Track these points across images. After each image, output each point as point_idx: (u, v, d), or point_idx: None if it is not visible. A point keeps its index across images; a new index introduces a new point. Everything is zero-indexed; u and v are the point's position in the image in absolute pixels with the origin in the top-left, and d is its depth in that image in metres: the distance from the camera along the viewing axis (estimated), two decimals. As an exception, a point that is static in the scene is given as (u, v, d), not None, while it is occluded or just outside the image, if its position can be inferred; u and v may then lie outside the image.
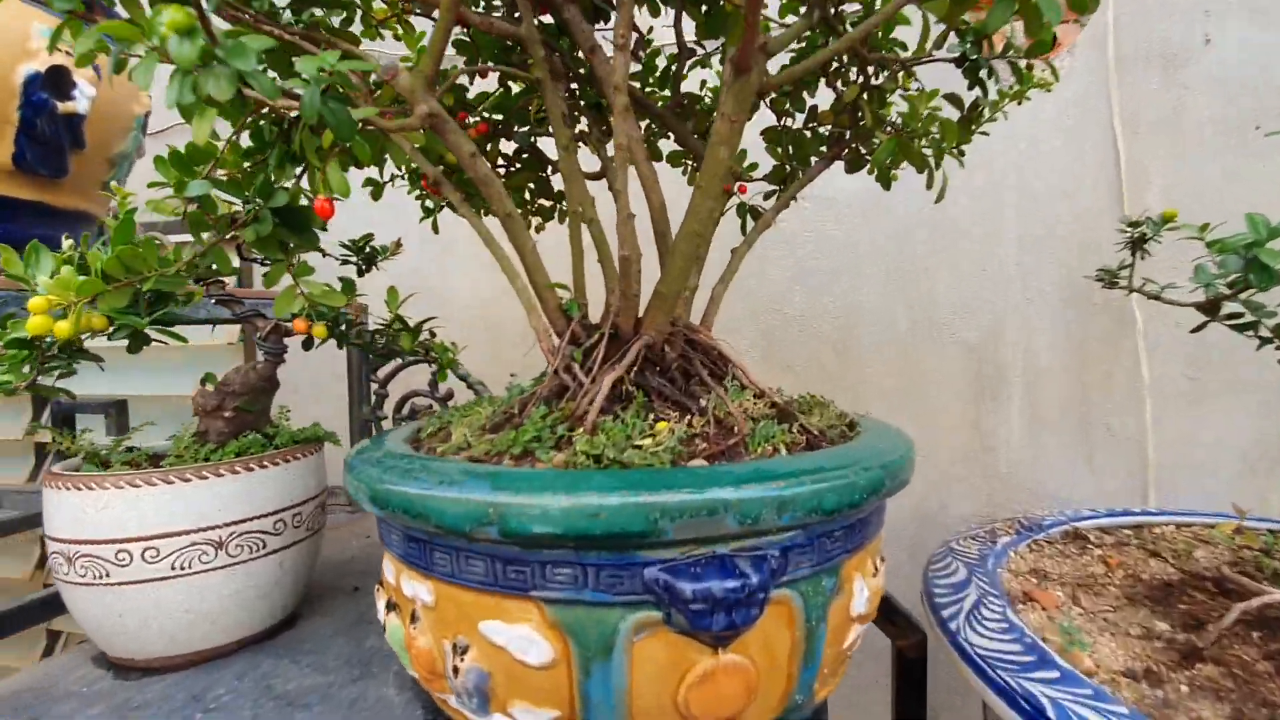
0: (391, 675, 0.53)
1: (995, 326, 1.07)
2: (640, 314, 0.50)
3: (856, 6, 0.51)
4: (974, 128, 0.62)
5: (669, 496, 0.33)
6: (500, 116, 0.60)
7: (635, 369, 0.48)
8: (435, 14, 0.44)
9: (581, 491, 0.33)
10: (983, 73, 0.57)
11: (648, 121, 0.64)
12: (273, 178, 0.42)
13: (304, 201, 0.45)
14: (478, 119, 0.57)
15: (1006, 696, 0.44)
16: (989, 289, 1.07)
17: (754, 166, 0.67)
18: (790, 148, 0.66)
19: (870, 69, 0.56)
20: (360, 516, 1.00)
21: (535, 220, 0.68)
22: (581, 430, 0.41)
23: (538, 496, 0.33)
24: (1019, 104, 0.64)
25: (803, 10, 0.49)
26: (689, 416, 0.46)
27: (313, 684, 0.53)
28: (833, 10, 0.47)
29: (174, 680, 0.53)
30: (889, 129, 0.60)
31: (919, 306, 1.09)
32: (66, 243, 0.52)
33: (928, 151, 0.61)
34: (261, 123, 0.42)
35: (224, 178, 0.44)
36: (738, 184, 0.64)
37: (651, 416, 0.44)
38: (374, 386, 1.00)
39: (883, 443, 0.44)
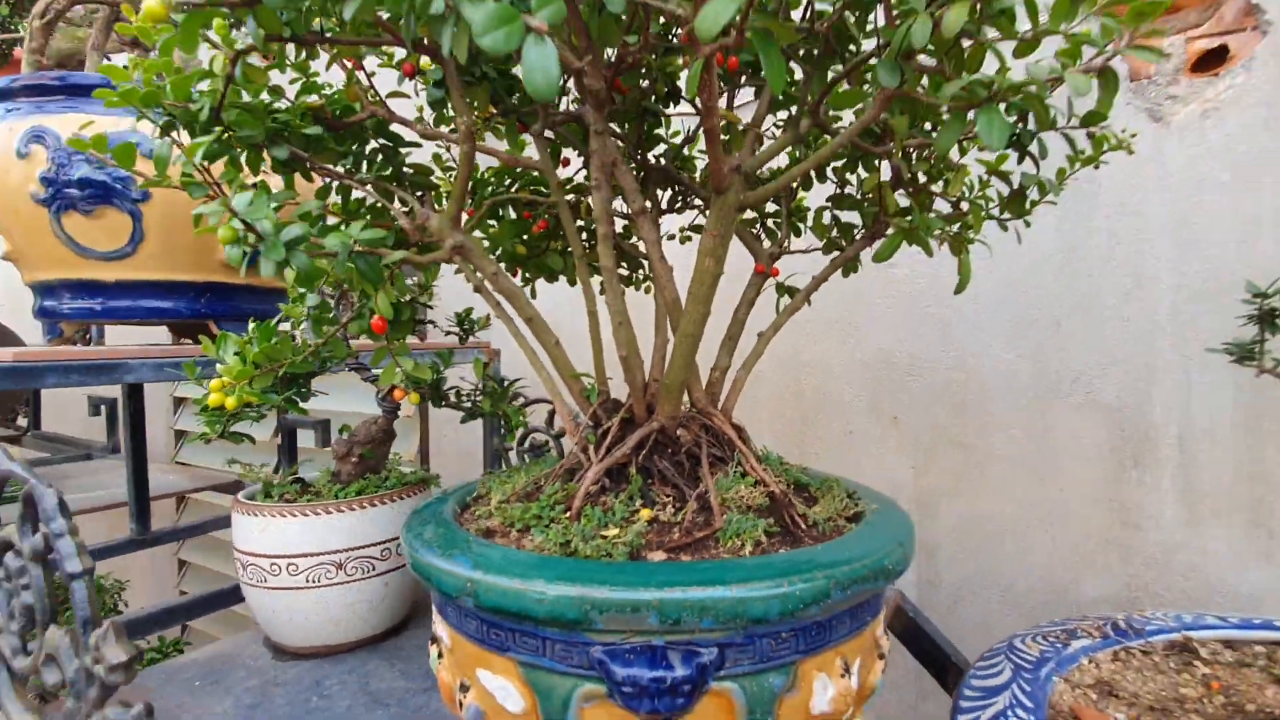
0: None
1: (1143, 386, 0.94)
2: (653, 400, 0.55)
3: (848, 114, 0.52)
4: (1030, 201, 0.58)
5: (597, 592, 0.38)
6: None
7: (645, 451, 0.54)
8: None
9: (532, 579, 0.40)
10: (1033, 147, 0.54)
11: (671, 190, 0.68)
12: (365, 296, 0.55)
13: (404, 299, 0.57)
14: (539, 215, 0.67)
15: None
16: (1131, 342, 0.94)
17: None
18: (836, 225, 0.67)
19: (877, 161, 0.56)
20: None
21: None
22: (568, 515, 0.48)
23: (500, 579, 0.41)
24: (1096, 168, 0.59)
25: (786, 125, 0.51)
26: (685, 501, 0.50)
27: (396, 688, 0.65)
28: (819, 116, 0.49)
29: (305, 668, 0.69)
30: (933, 210, 0.59)
31: (1046, 359, 0.99)
32: (250, 326, 0.70)
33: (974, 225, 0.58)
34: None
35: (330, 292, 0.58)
36: (771, 265, 0.66)
37: (639, 502, 0.49)
38: (501, 424, 1.15)
39: (868, 547, 0.45)
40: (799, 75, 0.50)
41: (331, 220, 0.51)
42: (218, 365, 0.62)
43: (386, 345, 0.62)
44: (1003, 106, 0.38)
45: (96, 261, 0.78)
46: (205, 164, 0.46)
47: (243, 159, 0.48)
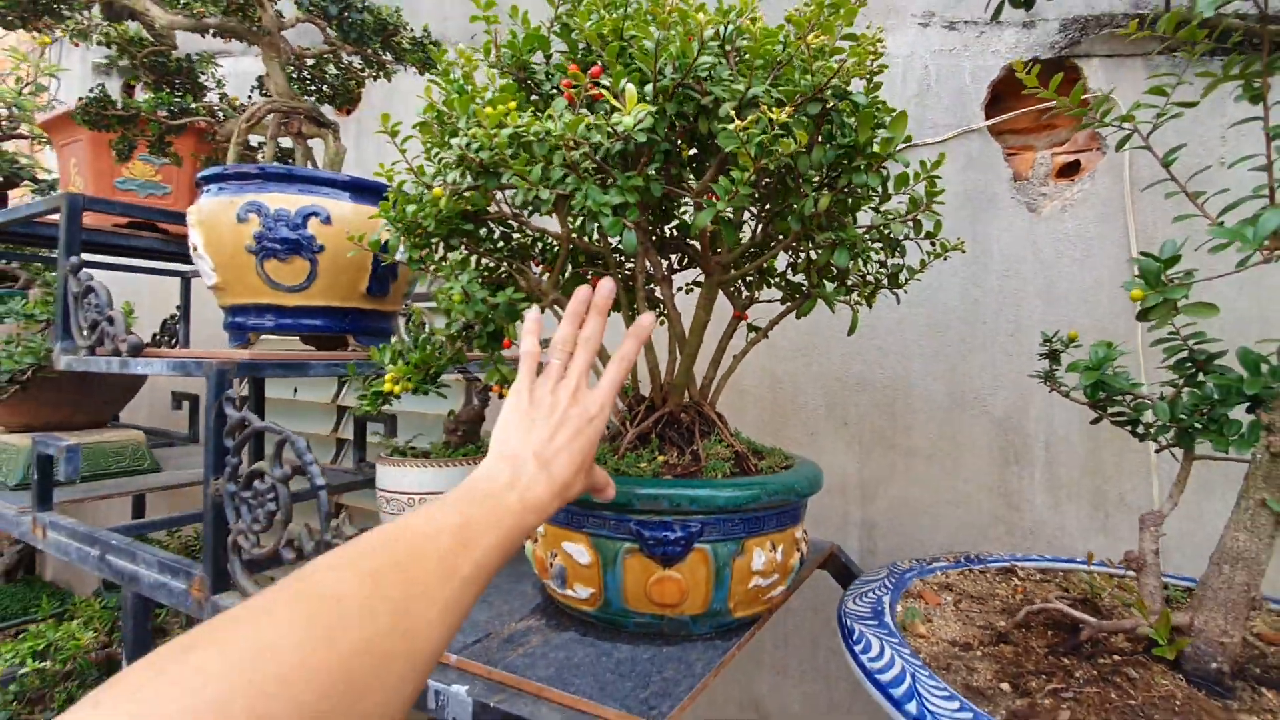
0: (529, 582, 0.98)
1: (1021, 403, 1.28)
2: (666, 395, 0.90)
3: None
4: (903, 279, 0.93)
5: (637, 489, 0.73)
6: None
7: (660, 425, 0.88)
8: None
9: (601, 483, 0.74)
10: (900, 244, 0.89)
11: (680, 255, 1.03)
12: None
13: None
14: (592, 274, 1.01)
15: (841, 625, 0.76)
16: (1013, 371, 1.29)
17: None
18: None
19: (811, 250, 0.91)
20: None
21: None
22: (616, 457, 0.82)
23: (583, 483, 0.75)
24: (945, 259, 0.94)
25: (753, 225, 0.86)
26: (681, 455, 0.85)
27: (493, 584, 0.99)
28: (768, 229, 0.84)
29: (426, 570, 1.03)
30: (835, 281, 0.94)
31: (955, 381, 1.34)
32: (393, 339, 1.05)
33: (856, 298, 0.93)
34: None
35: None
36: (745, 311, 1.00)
37: (657, 453, 0.84)
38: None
39: (782, 479, 0.80)
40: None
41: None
42: (387, 366, 0.97)
43: (489, 355, 0.96)
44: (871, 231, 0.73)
45: (283, 292, 1.13)
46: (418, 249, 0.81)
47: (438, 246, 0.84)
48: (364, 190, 1.19)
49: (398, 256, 0.83)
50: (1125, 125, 0.73)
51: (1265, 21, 0.52)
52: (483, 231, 0.89)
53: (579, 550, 0.78)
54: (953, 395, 1.34)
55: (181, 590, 1.01)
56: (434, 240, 0.84)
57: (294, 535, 0.89)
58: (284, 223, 1.11)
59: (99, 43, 1.26)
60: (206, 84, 1.50)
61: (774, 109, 0.55)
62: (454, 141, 0.67)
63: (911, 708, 0.59)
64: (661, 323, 1.05)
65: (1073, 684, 0.64)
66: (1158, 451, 0.80)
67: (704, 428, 0.90)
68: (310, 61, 1.34)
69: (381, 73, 1.37)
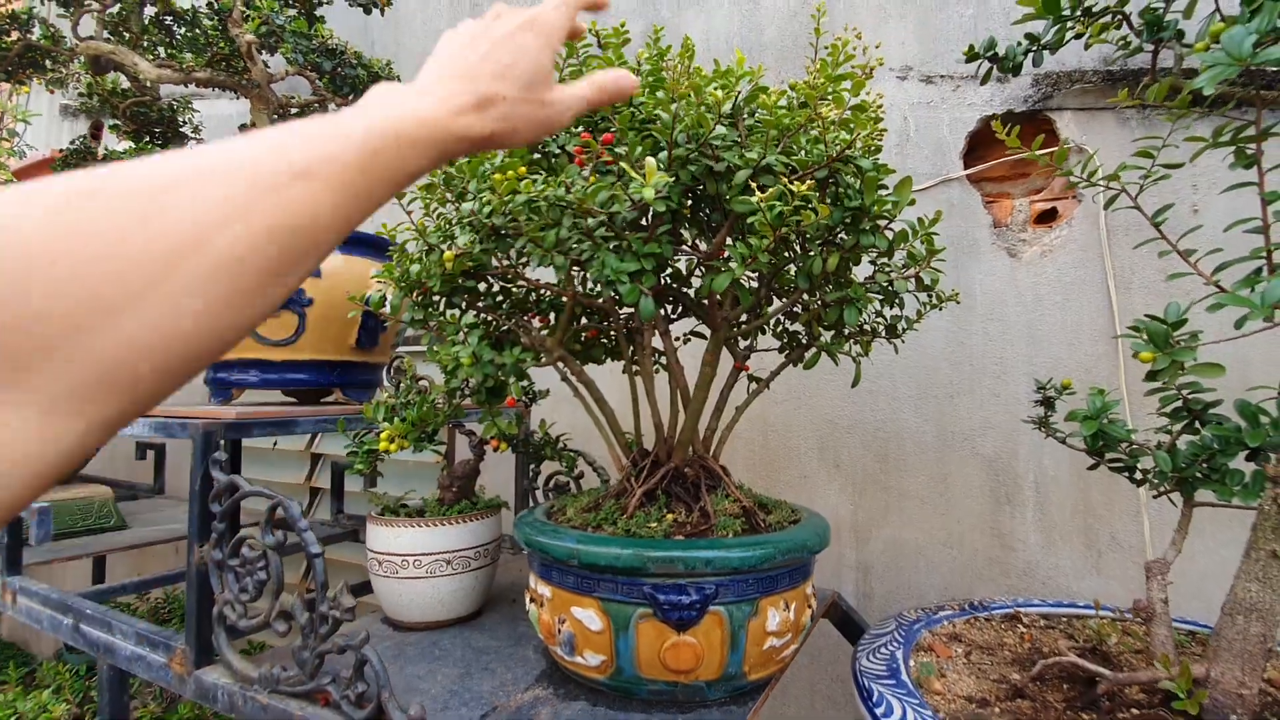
0: (531, 646, 0.95)
1: (1010, 444, 1.30)
2: (672, 449, 0.89)
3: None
4: (903, 328, 0.94)
5: (650, 552, 0.71)
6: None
7: (667, 481, 0.87)
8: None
9: (613, 547, 0.73)
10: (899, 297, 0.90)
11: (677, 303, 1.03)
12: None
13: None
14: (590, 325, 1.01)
15: (857, 685, 0.75)
16: (1001, 412, 1.31)
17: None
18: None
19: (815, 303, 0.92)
20: (515, 557, 1.46)
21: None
22: (624, 517, 0.81)
23: (594, 547, 0.73)
24: (940, 309, 0.96)
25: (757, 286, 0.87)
26: (690, 511, 0.84)
27: (491, 645, 0.95)
28: (772, 286, 0.85)
29: (420, 636, 0.99)
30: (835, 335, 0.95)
31: (944, 423, 1.36)
32: (382, 393, 1.03)
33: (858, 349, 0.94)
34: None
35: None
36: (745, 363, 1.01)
37: (665, 510, 0.82)
38: (531, 467, 1.47)
39: (794, 535, 0.79)
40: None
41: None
42: (382, 423, 0.95)
43: (488, 410, 0.95)
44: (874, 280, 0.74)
45: (270, 347, 1.10)
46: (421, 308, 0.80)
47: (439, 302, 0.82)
48: (353, 243, 1.17)
49: (403, 316, 0.82)
50: (1113, 185, 0.76)
51: (1259, 88, 0.55)
52: (481, 287, 0.88)
53: (589, 616, 0.76)
54: (942, 437, 1.36)
55: (161, 664, 0.95)
56: (435, 298, 0.82)
57: (287, 605, 0.85)
58: (273, 276, 1.08)
59: (80, 95, 1.23)
60: (185, 131, 1.48)
61: (793, 180, 0.56)
62: (465, 206, 0.66)
63: (944, 778, 0.58)
64: (657, 371, 1.04)
65: (1097, 743, 0.64)
66: (1155, 498, 0.81)
67: (709, 481, 0.89)
68: (295, 111, 1.33)
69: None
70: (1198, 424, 0.76)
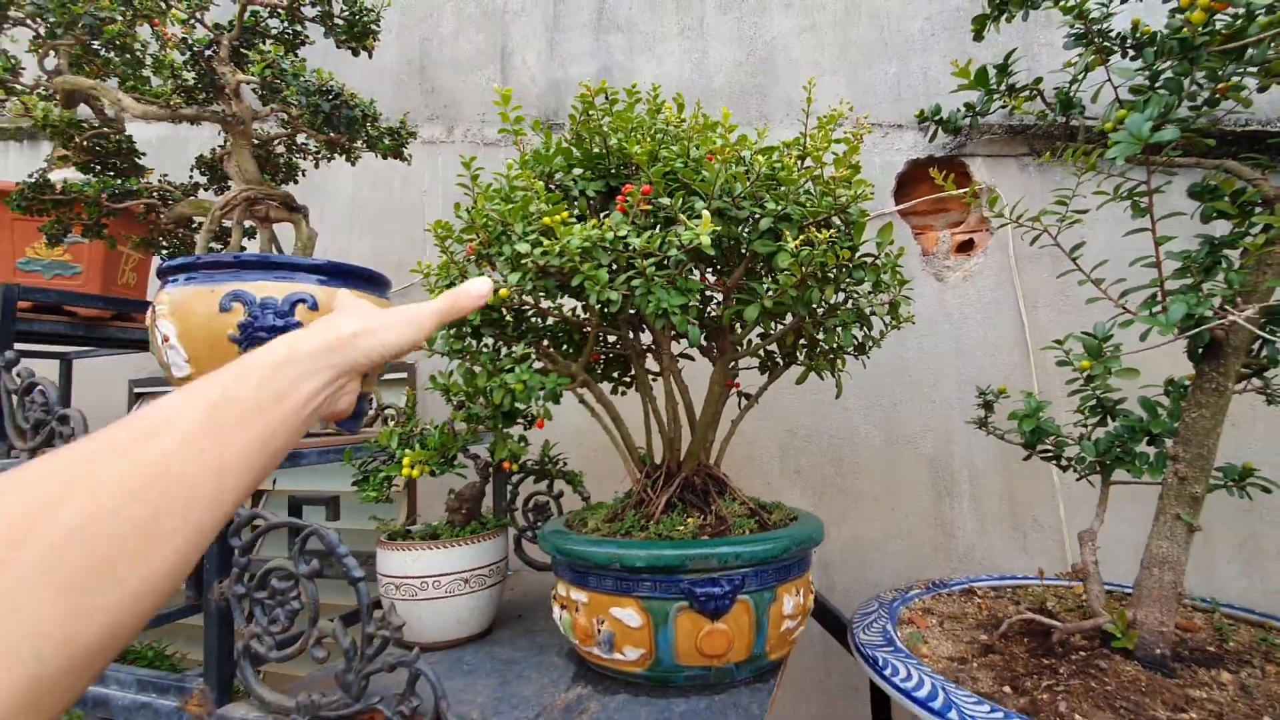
0: (554, 652, 1.01)
1: (945, 444, 1.49)
2: (682, 461, 0.99)
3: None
4: (869, 346, 1.09)
5: (687, 550, 0.80)
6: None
7: (679, 490, 0.97)
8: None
9: (653, 549, 0.81)
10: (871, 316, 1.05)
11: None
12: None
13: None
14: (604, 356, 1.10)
15: (864, 656, 0.87)
16: (938, 417, 1.50)
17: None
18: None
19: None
20: (512, 574, 1.50)
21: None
22: (652, 523, 0.90)
23: (635, 550, 0.81)
24: (898, 328, 1.11)
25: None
26: (705, 515, 0.93)
27: (517, 656, 1.00)
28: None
29: (442, 655, 1.02)
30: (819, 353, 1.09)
31: (890, 428, 1.53)
32: (388, 421, 1.06)
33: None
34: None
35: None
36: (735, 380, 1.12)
37: (685, 516, 0.92)
38: (508, 488, 1.51)
39: (801, 529, 0.90)
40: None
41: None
42: (404, 450, 0.99)
43: (499, 432, 1.01)
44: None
45: (268, 381, 1.11)
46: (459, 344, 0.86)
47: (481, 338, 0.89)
48: (345, 275, 1.20)
49: (436, 347, 0.88)
50: (1036, 226, 0.94)
51: (1148, 153, 0.72)
52: (509, 317, 0.95)
53: (628, 614, 0.84)
54: (890, 440, 1.53)
55: (170, 709, 0.94)
56: (469, 330, 0.89)
57: (325, 631, 0.87)
58: (271, 310, 1.10)
59: (38, 125, 1.19)
60: (143, 162, 1.44)
61: (816, 229, 0.69)
62: (519, 247, 0.74)
63: (953, 716, 0.70)
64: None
65: (1060, 679, 0.79)
66: (1078, 480, 0.99)
67: (715, 489, 0.99)
68: (279, 148, 1.34)
69: (346, 156, 1.40)
70: (1109, 418, 0.94)
